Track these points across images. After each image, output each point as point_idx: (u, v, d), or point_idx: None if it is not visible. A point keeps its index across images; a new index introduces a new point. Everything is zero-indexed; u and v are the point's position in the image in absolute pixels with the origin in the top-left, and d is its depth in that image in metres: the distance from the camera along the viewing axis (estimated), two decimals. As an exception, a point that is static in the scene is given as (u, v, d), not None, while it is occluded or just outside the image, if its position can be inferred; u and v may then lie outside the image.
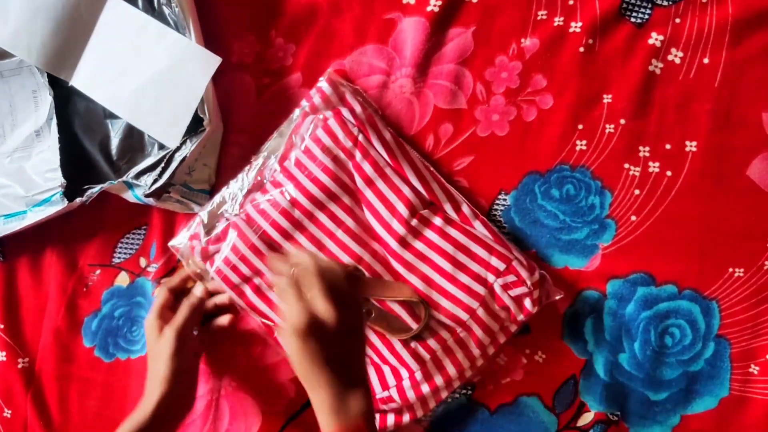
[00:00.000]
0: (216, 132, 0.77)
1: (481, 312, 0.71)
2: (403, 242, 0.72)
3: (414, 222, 0.72)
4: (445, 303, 0.72)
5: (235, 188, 0.76)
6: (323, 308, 0.57)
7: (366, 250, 0.73)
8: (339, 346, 0.57)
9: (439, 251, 0.72)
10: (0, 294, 0.81)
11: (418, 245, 0.72)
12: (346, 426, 0.55)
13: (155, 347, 0.71)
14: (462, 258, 0.72)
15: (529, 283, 0.71)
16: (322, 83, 0.75)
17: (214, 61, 0.73)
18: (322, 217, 0.73)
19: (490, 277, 0.71)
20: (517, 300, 0.71)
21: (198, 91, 0.73)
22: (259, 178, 0.76)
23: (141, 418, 0.67)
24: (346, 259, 0.73)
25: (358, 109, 0.74)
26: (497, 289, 0.71)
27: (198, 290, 0.76)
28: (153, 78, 0.74)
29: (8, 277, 0.81)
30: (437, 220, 0.72)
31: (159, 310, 0.73)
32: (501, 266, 0.71)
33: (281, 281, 0.59)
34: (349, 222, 0.73)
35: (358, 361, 0.60)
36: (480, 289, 0.71)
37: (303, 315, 0.56)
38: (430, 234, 0.72)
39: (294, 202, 0.73)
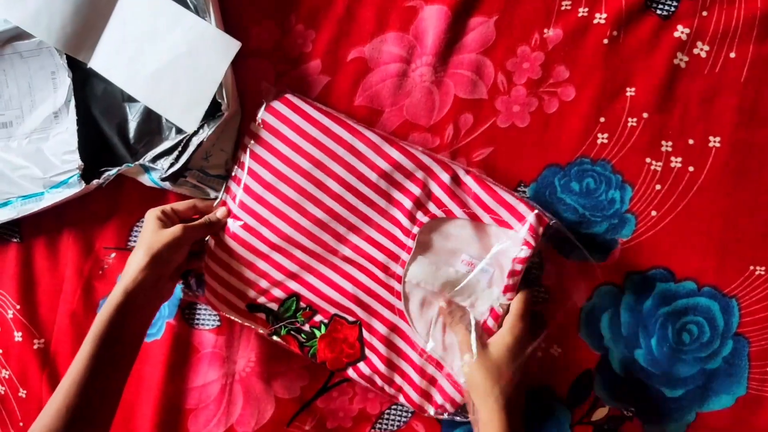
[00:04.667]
0: (234, 117, 0.77)
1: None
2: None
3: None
4: None
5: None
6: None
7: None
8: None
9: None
10: (17, 275, 0.81)
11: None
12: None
13: (154, 236, 0.69)
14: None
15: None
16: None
17: (233, 45, 0.72)
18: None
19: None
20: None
21: (217, 76, 0.72)
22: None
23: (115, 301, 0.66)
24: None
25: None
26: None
27: (221, 213, 0.76)
28: (172, 61, 0.74)
29: (25, 258, 0.82)
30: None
31: (170, 211, 0.73)
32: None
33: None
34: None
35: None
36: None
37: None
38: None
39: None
